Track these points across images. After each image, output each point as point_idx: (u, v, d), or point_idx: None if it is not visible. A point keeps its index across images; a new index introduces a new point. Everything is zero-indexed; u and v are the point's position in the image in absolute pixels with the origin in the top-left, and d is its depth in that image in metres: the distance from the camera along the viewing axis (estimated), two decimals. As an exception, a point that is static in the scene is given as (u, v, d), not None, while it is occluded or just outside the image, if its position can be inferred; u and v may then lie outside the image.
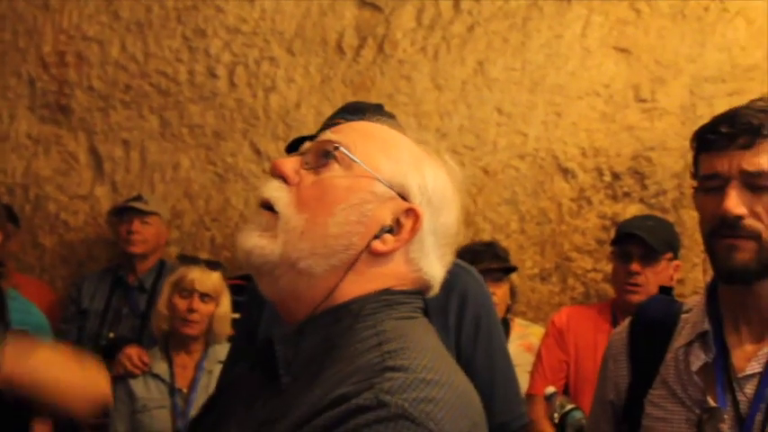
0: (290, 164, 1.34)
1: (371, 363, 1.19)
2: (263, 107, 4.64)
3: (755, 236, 1.70)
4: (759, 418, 1.71)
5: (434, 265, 1.37)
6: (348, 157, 1.31)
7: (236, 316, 3.64)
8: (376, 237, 1.30)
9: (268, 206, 1.31)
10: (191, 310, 3.57)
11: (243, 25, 4.69)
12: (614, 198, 4.27)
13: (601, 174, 4.28)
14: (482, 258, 3.73)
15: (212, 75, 4.72)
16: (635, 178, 4.24)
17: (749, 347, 1.79)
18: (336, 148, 1.32)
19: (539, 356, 3.61)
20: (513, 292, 3.95)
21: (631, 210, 4.19)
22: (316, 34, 4.61)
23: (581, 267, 4.32)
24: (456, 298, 2.30)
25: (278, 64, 4.64)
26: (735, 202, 1.69)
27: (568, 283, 4.34)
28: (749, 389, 1.74)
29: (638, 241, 3.38)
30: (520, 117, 4.39)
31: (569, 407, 3.27)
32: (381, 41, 4.53)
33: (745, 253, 1.70)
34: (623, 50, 4.32)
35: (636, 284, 3.36)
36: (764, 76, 4.15)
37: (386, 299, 1.31)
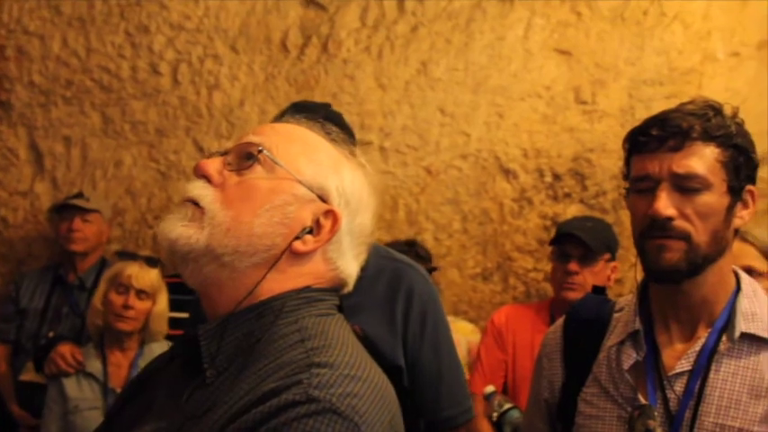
0: (213, 164, 1.37)
1: (296, 359, 1.22)
2: (207, 105, 4.62)
3: (685, 236, 1.73)
4: (688, 414, 1.74)
5: (350, 264, 1.42)
6: (271, 159, 1.35)
7: (175, 315, 3.63)
8: (297, 237, 1.34)
9: (194, 201, 1.34)
10: (126, 307, 3.52)
11: (187, 22, 4.66)
12: (555, 199, 4.32)
13: (542, 174, 4.32)
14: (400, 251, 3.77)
15: (155, 71, 4.68)
16: (575, 179, 4.29)
17: (679, 346, 1.82)
18: (260, 151, 1.35)
19: (478, 356, 3.63)
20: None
21: (572, 210, 4.23)
22: (260, 32, 4.60)
23: (522, 267, 4.35)
24: (403, 294, 2.32)
25: (222, 62, 4.63)
26: (665, 204, 1.72)
27: (510, 283, 4.38)
28: (679, 386, 1.77)
29: (577, 242, 3.42)
30: (462, 117, 4.42)
31: (507, 406, 3.30)
32: (326, 41, 4.54)
33: (674, 253, 1.73)
34: (564, 53, 4.37)
35: (574, 284, 3.40)
36: (701, 79, 4.22)
37: (306, 296, 1.35)
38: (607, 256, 3.48)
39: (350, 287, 1.45)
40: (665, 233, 1.73)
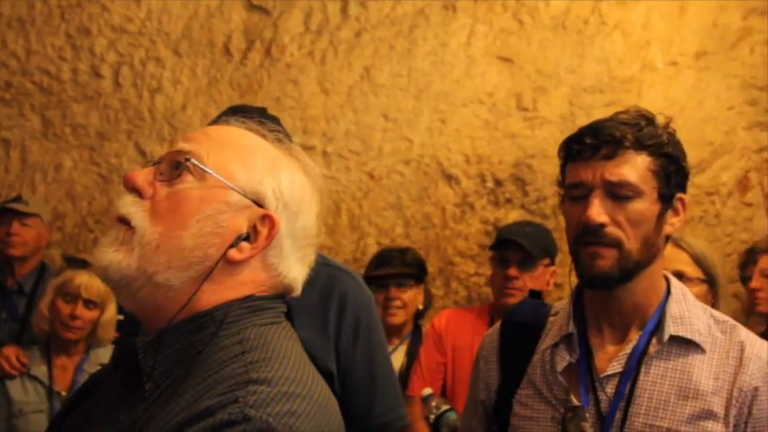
0: (142, 176, 1.32)
1: (235, 373, 1.20)
2: (149, 108, 4.59)
3: (617, 244, 1.75)
4: (619, 415, 1.77)
5: (294, 268, 1.37)
6: (200, 167, 1.30)
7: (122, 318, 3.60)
8: (232, 246, 1.29)
9: (124, 220, 1.30)
10: (74, 317, 3.49)
11: (129, 25, 4.63)
12: (496, 204, 4.35)
13: (484, 180, 4.36)
14: (390, 263, 3.79)
15: (97, 74, 4.64)
16: (516, 185, 4.33)
17: (611, 348, 1.85)
18: (188, 159, 1.30)
19: (418, 359, 3.65)
20: (427, 299, 3.98)
21: (513, 215, 4.27)
22: (203, 36, 4.58)
23: (464, 272, 4.38)
24: (336, 300, 2.32)
25: (164, 65, 4.60)
26: (597, 211, 1.74)
27: (452, 287, 4.40)
28: (610, 388, 1.80)
29: (517, 247, 3.45)
30: (405, 123, 4.44)
31: (444, 408, 3.32)
32: (269, 45, 4.53)
33: (606, 260, 1.76)
34: (506, 60, 4.41)
35: (514, 289, 3.43)
36: (640, 87, 4.28)
37: (250, 305, 1.31)
38: (546, 261, 3.51)
39: (298, 292, 1.41)
40: (598, 240, 1.76)
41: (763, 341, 1.85)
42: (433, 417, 3.33)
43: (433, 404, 3.35)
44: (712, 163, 4.19)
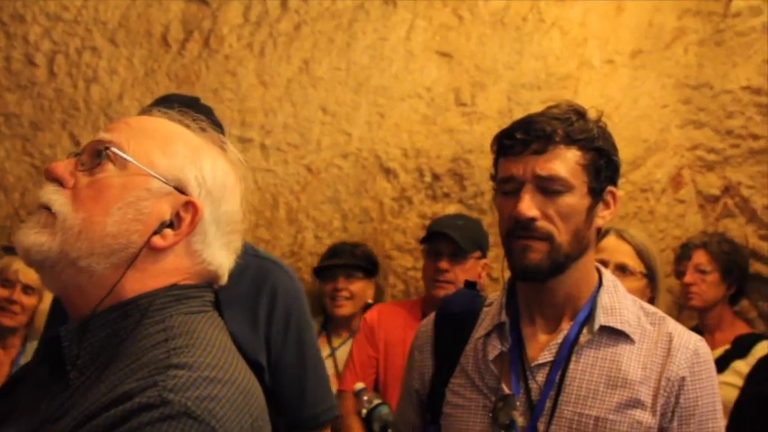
0: (63, 166, 1.34)
1: (157, 359, 1.20)
2: (84, 98, 4.52)
3: (548, 237, 1.79)
4: (549, 404, 1.80)
5: (218, 255, 1.39)
6: (121, 156, 1.32)
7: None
8: (155, 232, 1.31)
9: (46, 207, 1.31)
10: (11, 301, 3.49)
11: (64, 13, 4.55)
12: (434, 198, 4.37)
13: (422, 174, 4.37)
14: (339, 255, 3.81)
15: (31, 63, 4.56)
16: (454, 179, 4.34)
17: (543, 338, 1.88)
18: (107, 148, 1.32)
19: (350, 353, 3.65)
20: (378, 294, 3.99)
21: (450, 210, 4.28)
22: (140, 26, 4.52)
23: (401, 266, 4.39)
24: (267, 293, 2.32)
25: (100, 54, 4.53)
26: (528, 205, 1.77)
27: (389, 281, 4.41)
28: (541, 377, 1.83)
29: (448, 240, 3.47)
30: (344, 117, 4.43)
31: (376, 402, 3.34)
32: (207, 36, 4.49)
33: (537, 253, 1.79)
34: (445, 55, 4.42)
35: (444, 281, 3.45)
36: (577, 85, 4.33)
37: (175, 294, 1.33)
38: (477, 254, 3.54)
39: (224, 279, 1.43)
40: (529, 234, 1.79)
41: (691, 333, 1.90)
42: (365, 411, 3.35)
43: (365, 398, 3.36)
44: (647, 160, 4.24)
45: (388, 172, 4.38)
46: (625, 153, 4.11)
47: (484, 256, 3.59)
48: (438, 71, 4.42)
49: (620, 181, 4.02)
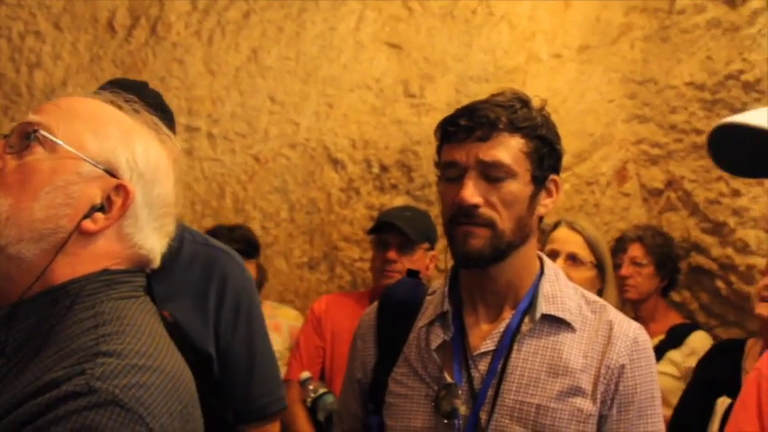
0: None
1: (86, 346, 1.19)
2: (27, 84, 4.44)
3: (490, 224, 1.79)
4: (491, 392, 1.81)
5: (150, 238, 1.38)
6: (50, 139, 1.30)
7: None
8: (86, 216, 1.29)
9: None
10: None
11: (7, -4, 4.47)
12: (382, 189, 4.37)
13: (370, 165, 4.36)
14: (217, 238, 3.75)
15: (-28, 47, 4.47)
16: (402, 171, 4.35)
17: (485, 327, 1.89)
18: (36, 131, 1.30)
19: (297, 343, 3.66)
20: (260, 274, 3.96)
21: (398, 201, 4.28)
22: (86, 11, 4.45)
23: (349, 257, 4.38)
24: (216, 281, 2.30)
25: (44, 39, 4.45)
26: (471, 192, 1.77)
27: (336, 272, 4.40)
28: (483, 365, 1.84)
29: (396, 230, 3.48)
30: (292, 106, 4.41)
31: (322, 391, 3.34)
32: (155, 23, 4.44)
33: (479, 240, 1.79)
34: (395, 46, 4.42)
35: (392, 272, 3.46)
36: (525, 78, 4.35)
37: (106, 279, 1.31)
38: (426, 245, 3.55)
39: (156, 263, 1.41)
40: (471, 220, 1.79)
41: (631, 321, 1.93)
42: (310, 400, 3.35)
43: (311, 388, 3.36)
44: (592, 153, 4.29)
45: (336, 163, 4.37)
46: (571, 146, 4.18)
47: (432, 247, 3.60)
48: (387, 62, 4.41)
49: (566, 174, 4.10)
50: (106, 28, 4.45)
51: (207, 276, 2.30)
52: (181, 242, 2.26)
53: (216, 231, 3.79)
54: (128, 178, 1.33)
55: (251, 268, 3.81)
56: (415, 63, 4.40)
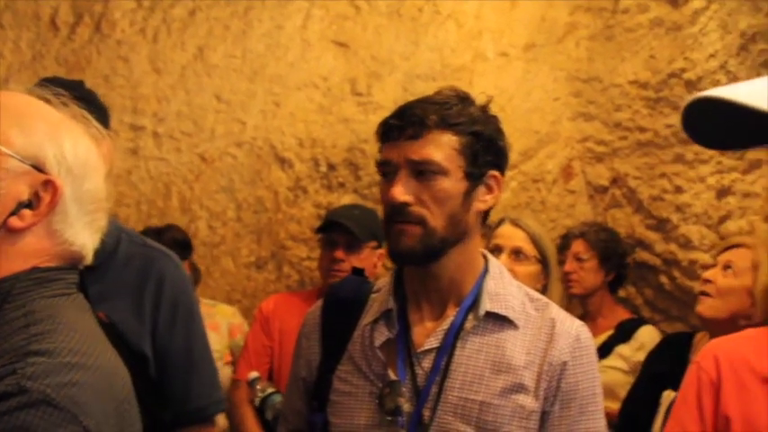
0: None
1: (17, 346, 1.17)
2: (-33, 82, 4.37)
3: (421, 221, 1.80)
4: (434, 389, 1.81)
5: (81, 234, 1.35)
6: None
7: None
8: (12, 213, 1.27)
9: None
10: None
11: (-54, -8, 4.39)
12: (329, 188, 4.36)
13: (317, 164, 4.36)
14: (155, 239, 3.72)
15: None
16: (349, 169, 4.34)
17: (429, 324, 1.89)
18: None
19: (245, 343, 3.64)
20: (194, 274, 3.93)
21: (346, 200, 4.28)
22: (28, 8, 4.38)
23: (296, 256, 4.37)
24: (153, 282, 2.27)
25: (-15, 36, 4.38)
26: (401, 190, 1.79)
27: (284, 272, 4.39)
28: (427, 363, 1.84)
29: (343, 229, 3.47)
30: (239, 105, 4.38)
31: (270, 391, 3.32)
32: (99, 20, 4.38)
33: (410, 237, 1.80)
34: (342, 45, 4.41)
35: (340, 271, 3.45)
36: (471, 77, 4.38)
37: (37, 277, 1.29)
38: (373, 243, 3.55)
39: (88, 260, 1.39)
40: (403, 218, 1.80)
41: (574, 318, 1.94)
42: (258, 400, 3.33)
43: (259, 387, 3.34)
44: (538, 151, 4.32)
45: (283, 161, 4.36)
46: (518, 144, 4.21)
47: (380, 245, 3.59)
48: (334, 61, 4.41)
49: (513, 171, 4.13)
50: (49, 25, 4.39)
51: (144, 277, 2.27)
52: (118, 242, 2.23)
53: (145, 234, 3.75)
54: (56, 173, 1.30)
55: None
56: (363, 61, 4.40)
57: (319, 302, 2.12)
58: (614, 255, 3.73)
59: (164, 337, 2.27)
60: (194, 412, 2.34)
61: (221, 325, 3.81)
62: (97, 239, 1.39)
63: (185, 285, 2.37)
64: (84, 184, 1.34)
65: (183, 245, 3.82)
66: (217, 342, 3.71)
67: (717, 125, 0.87)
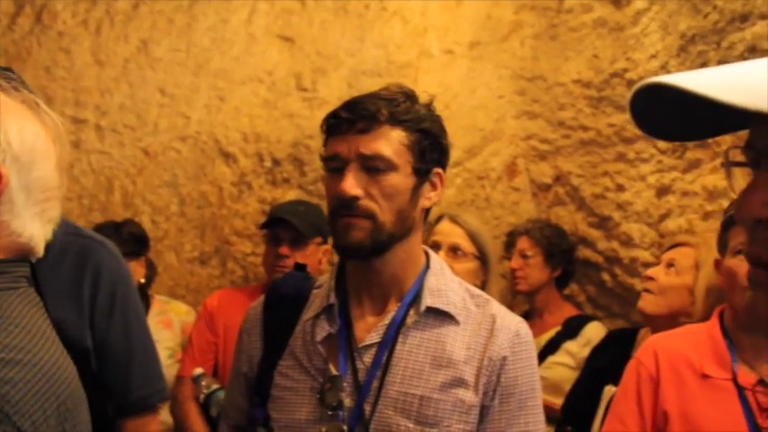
0: None
1: None
2: None
3: (370, 215, 1.80)
4: (375, 384, 1.83)
5: (29, 225, 1.31)
6: None
7: None
8: None
9: None
10: None
11: None
12: (274, 184, 4.34)
13: (262, 159, 4.33)
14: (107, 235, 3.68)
15: None
16: (294, 165, 4.33)
17: (371, 319, 1.91)
18: None
19: (190, 339, 3.61)
20: (150, 270, 3.89)
21: (290, 195, 4.27)
22: (-34, -2, 4.31)
23: (240, 251, 4.35)
24: (90, 273, 2.24)
25: None
26: (350, 184, 1.79)
27: (228, 267, 4.36)
28: (368, 358, 1.85)
29: (288, 225, 3.46)
30: (183, 99, 4.35)
31: (215, 387, 3.31)
32: (40, 11, 4.31)
33: (359, 231, 1.81)
34: (287, 39, 4.40)
35: (284, 267, 3.44)
36: (417, 73, 4.38)
37: None
38: (318, 239, 3.54)
39: (38, 251, 1.35)
40: (352, 212, 1.81)
41: (513, 314, 1.97)
42: (203, 396, 3.31)
43: (204, 384, 3.33)
44: (483, 149, 4.35)
45: (227, 156, 4.33)
46: (462, 142, 4.23)
47: (325, 241, 3.59)
48: (279, 55, 4.39)
49: (458, 168, 4.15)
50: (-12, 16, 4.32)
51: (80, 268, 2.24)
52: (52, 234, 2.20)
53: (102, 228, 3.71)
54: (0, 161, 1.26)
55: (140, 265, 3.75)
56: (308, 57, 4.39)
57: (261, 299, 2.11)
58: (559, 251, 3.77)
59: (101, 328, 2.24)
60: (136, 402, 2.32)
61: (174, 322, 3.78)
62: (49, 230, 1.35)
63: (124, 275, 2.34)
64: (33, 171, 1.29)
65: (140, 240, 3.79)
66: (169, 339, 3.68)
67: (665, 114, 0.87)
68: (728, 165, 0.89)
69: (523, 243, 3.77)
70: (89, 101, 4.29)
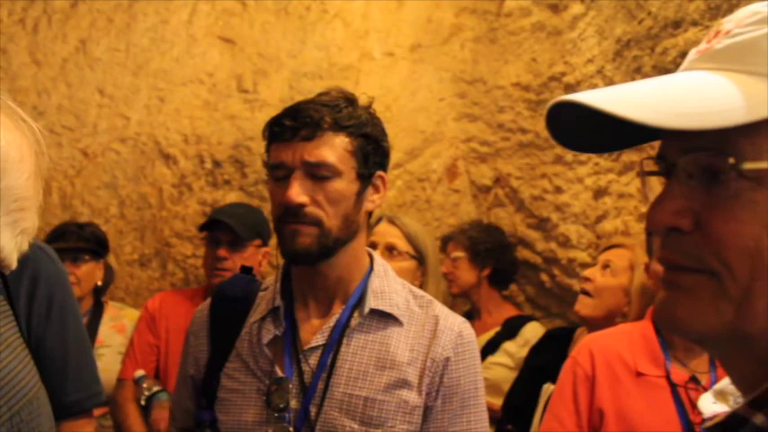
0: None
1: None
2: None
3: (317, 222, 1.82)
4: (321, 386, 1.84)
5: (1, 236, 1.27)
6: None
7: None
8: None
9: None
10: None
11: None
12: (215, 185, 4.33)
13: (202, 161, 4.32)
14: (65, 237, 3.64)
15: None
16: (235, 166, 4.32)
17: (316, 322, 1.92)
18: None
19: (131, 342, 3.59)
20: (108, 275, 3.86)
21: (231, 197, 4.26)
22: None
23: (181, 253, 4.33)
24: (27, 277, 2.22)
25: None
26: (297, 191, 1.80)
27: (168, 269, 4.33)
28: (313, 360, 1.87)
29: (227, 228, 3.46)
30: (122, 100, 4.31)
31: (156, 389, 3.31)
32: (-25, 10, 4.25)
33: (306, 238, 1.82)
34: (228, 41, 4.39)
35: (223, 269, 3.45)
36: (358, 76, 4.40)
37: None
38: (257, 242, 3.54)
39: (12, 263, 1.30)
40: (299, 219, 1.82)
41: (456, 315, 1.99)
42: (144, 398, 3.31)
43: (145, 386, 3.32)
44: (424, 151, 4.38)
45: (167, 158, 4.30)
46: (403, 144, 4.26)
47: (265, 243, 3.60)
48: (220, 57, 4.38)
49: (398, 170, 4.17)
50: None
51: (17, 271, 2.21)
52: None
53: (65, 229, 3.68)
54: None
55: (99, 267, 3.73)
56: (249, 58, 4.38)
57: (208, 301, 2.12)
58: (484, 249, 3.77)
59: (38, 332, 2.22)
60: (71, 405, 2.30)
61: (127, 327, 3.74)
62: (23, 242, 1.30)
63: (61, 278, 2.32)
64: (3, 180, 1.25)
65: (101, 242, 3.76)
66: (122, 344, 3.66)
67: (581, 127, 0.90)
68: (643, 174, 0.93)
69: (451, 247, 3.84)
70: (26, 101, 4.23)
